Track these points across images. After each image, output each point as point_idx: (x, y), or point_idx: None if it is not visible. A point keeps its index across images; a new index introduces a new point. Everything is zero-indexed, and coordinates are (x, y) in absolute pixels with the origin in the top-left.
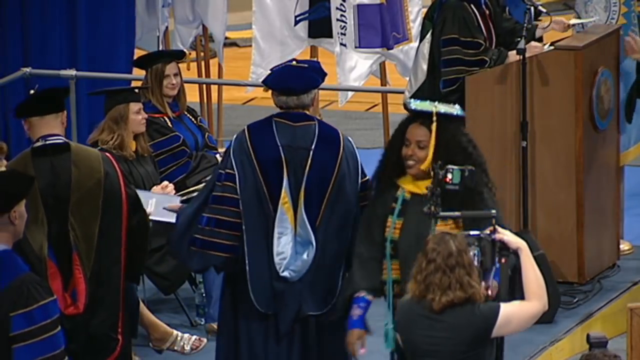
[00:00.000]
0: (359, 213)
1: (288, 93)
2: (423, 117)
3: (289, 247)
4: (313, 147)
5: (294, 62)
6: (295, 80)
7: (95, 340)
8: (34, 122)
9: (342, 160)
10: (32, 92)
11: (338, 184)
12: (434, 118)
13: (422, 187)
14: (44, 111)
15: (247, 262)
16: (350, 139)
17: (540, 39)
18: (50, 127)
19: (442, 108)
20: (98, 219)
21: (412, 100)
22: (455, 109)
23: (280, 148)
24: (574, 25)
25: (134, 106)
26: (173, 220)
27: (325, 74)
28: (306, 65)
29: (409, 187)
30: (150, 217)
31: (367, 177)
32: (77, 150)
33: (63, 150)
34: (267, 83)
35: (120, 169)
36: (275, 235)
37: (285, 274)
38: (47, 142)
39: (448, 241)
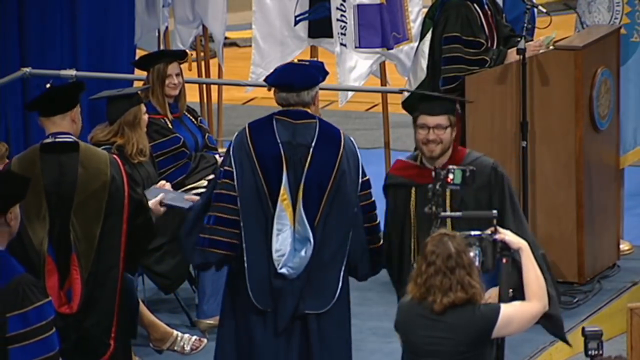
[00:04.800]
0: (360, 212)
1: (287, 89)
2: None
3: (287, 243)
4: (313, 144)
5: (295, 60)
6: (295, 76)
7: (85, 342)
8: (43, 120)
9: (343, 158)
10: (48, 86)
11: (338, 182)
12: None
13: None
14: (49, 112)
15: (245, 258)
16: (352, 138)
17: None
18: (58, 126)
19: None
20: (100, 222)
21: None
22: None
23: (280, 145)
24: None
25: (143, 107)
26: (185, 206)
27: (326, 73)
28: (307, 63)
29: None
30: (165, 202)
31: (367, 177)
32: (86, 150)
33: (71, 149)
34: (268, 80)
35: (127, 172)
36: (275, 232)
37: (284, 270)
38: (56, 140)
39: (446, 242)
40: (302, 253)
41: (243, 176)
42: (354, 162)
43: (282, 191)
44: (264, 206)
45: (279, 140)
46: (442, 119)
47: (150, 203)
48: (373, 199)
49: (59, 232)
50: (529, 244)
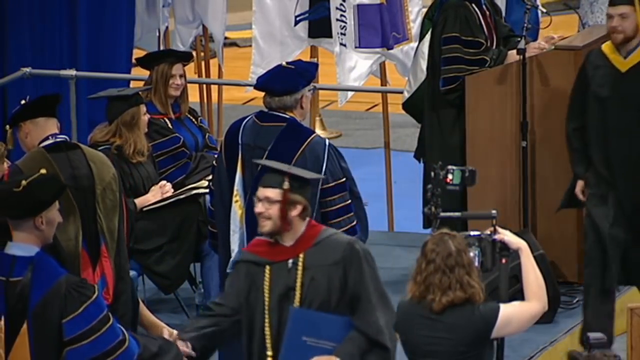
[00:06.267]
0: (318, 218)
1: (269, 94)
2: None
3: (236, 244)
4: (269, 147)
5: (284, 63)
6: (275, 81)
7: None
8: (31, 127)
9: (297, 162)
10: (23, 101)
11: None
12: None
13: None
14: (40, 113)
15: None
16: (328, 144)
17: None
18: (50, 129)
19: None
20: (117, 213)
21: None
22: None
23: (240, 147)
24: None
25: (143, 108)
26: None
27: (312, 77)
28: (293, 67)
29: None
30: None
31: (332, 184)
32: (86, 148)
33: (74, 147)
34: (256, 83)
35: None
36: (231, 232)
37: (230, 271)
38: (57, 140)
39: (447, 241)
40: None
41: (217, 173)
42: (315, 167)
43: (234, 192)
44: (225, 205)
45: (239, 142)
46: (270, 192)
47: (150, 196)
48: (338, 206)
49: (85, 226)
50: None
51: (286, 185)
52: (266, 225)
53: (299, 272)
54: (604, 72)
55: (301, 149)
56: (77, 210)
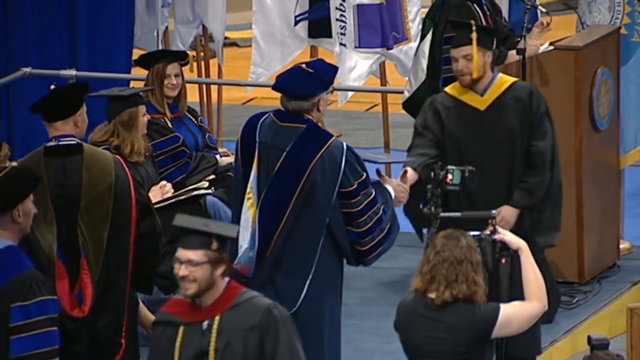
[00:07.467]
0: (336, 222)
1: (286, 96)
2: None
3: (246, 241)
4: (288, 148)
5: (304, 65)
6: (292, 85)
7: (98, 343)
8: (46, 124)
9: (316, 166)
10: (52, 87)
11: (307, 188)
12: None
13: None
14: (51, 118)
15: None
16: (346, 147)
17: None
18: (60, 130)
19: None
20: (108, 224)
21: None
22: None
23: (257, 145)
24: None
25: (142, 108)
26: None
27: (330, 82)
28: (312, 71)
29: None
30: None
31: (351, 188)
32: (90, 152)
33: (76, 152)
34: (274, 83)
35: (132, 173)
36: (241, 228)
37: (238, 267)
38: (60, 143)
39: (459, 236)
40: (250, 254)
41: (236, 168)
42: (333, 171)
43: (248, 189)
44: (239, 201)
45: (257, 140)
46: (194, 255)
47: (151, 196)
48: (363, 204)
49: (67, 236)
50: None
51: (215, 246)
52: (191, 288)
53: (214, 336)
54: (459, 113)
55: (320, 152)
56: (54, 218)
